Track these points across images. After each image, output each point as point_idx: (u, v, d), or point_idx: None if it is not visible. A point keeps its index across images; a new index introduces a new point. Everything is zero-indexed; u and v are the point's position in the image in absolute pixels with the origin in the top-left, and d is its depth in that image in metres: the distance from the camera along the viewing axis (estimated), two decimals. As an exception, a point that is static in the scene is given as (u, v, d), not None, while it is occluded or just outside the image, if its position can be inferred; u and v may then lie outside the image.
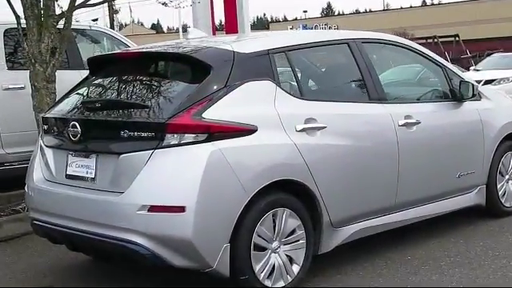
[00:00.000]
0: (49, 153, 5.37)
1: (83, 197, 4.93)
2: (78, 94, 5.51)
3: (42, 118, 5.56)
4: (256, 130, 4.83)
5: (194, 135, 4.62)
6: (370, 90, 5.72)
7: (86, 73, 9.19)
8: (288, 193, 5.04)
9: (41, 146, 5.47)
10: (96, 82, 5.53)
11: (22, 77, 8.12)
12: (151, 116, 4.74)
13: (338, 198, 5.28)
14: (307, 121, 5.15)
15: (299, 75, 5.41)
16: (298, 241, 5.09)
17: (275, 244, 4.96)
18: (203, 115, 4.68)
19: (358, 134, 5.47)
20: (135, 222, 4.61)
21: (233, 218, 4.68)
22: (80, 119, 5.04)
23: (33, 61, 7.57)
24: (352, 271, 5.52)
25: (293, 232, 5.06)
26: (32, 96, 7.65)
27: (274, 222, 4.95)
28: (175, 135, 4.61)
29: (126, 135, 4.72)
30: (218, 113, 4.74)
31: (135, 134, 4.70)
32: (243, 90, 4.93)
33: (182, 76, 5.15)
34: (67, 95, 5.62)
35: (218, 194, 4.63)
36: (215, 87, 4.85)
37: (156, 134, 4.64)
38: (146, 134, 4.67)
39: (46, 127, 5.44)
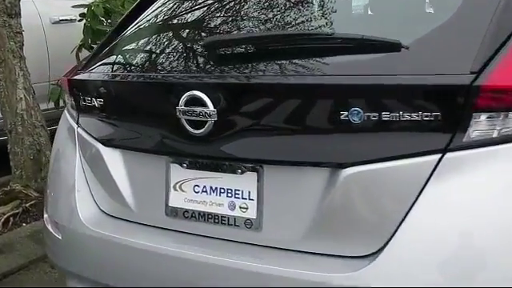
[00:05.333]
0: (111, 157, 2.33)
1: (226, 265, 1.96)
2: (166, 24, 2.43)
3: (74, 81, 2.45)
4: None
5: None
6: None
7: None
8: None
9: (83, 139, 2.39)
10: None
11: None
12: (422, 69, 1.78)
13: None
14: None
15: None
16: None
17: None
18: None
19: None
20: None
21: None
22: (215, 85, 2.02)
23: (-18, -19, 4.34)
24: None
25: None
26: (-16, 40, 4.44)
27: None
28: (500, 117, 1.66)
29: (355, 120, 1.75)
30: None
31: (383, 114, 1.75)
32: None
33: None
34: (124, 29, 2.52)
35: None
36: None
37: (444, 115, 1.73)
38: (413, 117, 1.72)
39: (88, 102, 2.34)
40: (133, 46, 2.45)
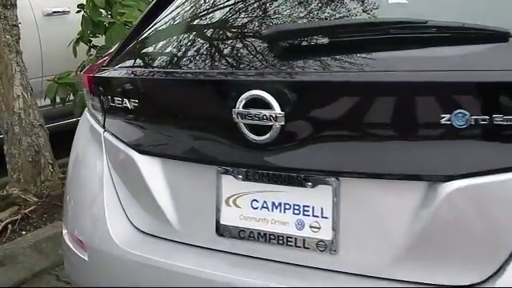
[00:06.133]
0: (148, 167, 2.00)
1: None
2: (214, 10, 2.10)
3: (99, 79, 2.12)
4: None
5: None
6: None
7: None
8: None
9: (112, 146, 2.05)
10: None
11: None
12: None
13: None
14: None
15: None
16: None
17: None
18: None
19: None
20: None
21: None
22: (283, 83, 1.69)
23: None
24: None
25: None
26: (-23, 33, 4.08)
27: None
28: None
29: (460, 124, 1.44)
30: None
31: (494, 117, 1.48)
32: None
33: None
34: (154, 18, 2.19)
35: None
36: None
37: None
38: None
39: (118, 103, 2.00)
40: (173, 37, 2.10)
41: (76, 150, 2.35)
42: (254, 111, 1.71)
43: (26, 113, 4.16)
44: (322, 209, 1.72)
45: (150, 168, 1.99)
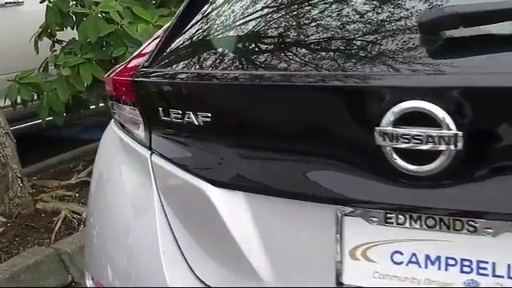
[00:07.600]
0: (227, 204, 1.43)
1: None
2: None
3: (143, 84, 1.51)
4: None
5: None
6: None
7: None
8: None
9: (168, 174, 1.47)
10: None
11: None
12: None
13: None
14: None
15: None
16: None
17: None
18: None
19: None
20: None
21: None
22: (460, 90, 1.17)
23: None
24: None
25: None
26: None
27: None
28: None
29: None
30: None
31: None
32: None
33: None
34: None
35: None
36: None
37: None
38: None
39: (177, 117, 1.42)
40: (261, 24, 1.53)
41: (101, 172, 1.77)
42: (412, 131, 1.17)
43: (-11, 120, 3.51)
44: (508, 266, 1.20)
45: (231, 205, 1.43)
